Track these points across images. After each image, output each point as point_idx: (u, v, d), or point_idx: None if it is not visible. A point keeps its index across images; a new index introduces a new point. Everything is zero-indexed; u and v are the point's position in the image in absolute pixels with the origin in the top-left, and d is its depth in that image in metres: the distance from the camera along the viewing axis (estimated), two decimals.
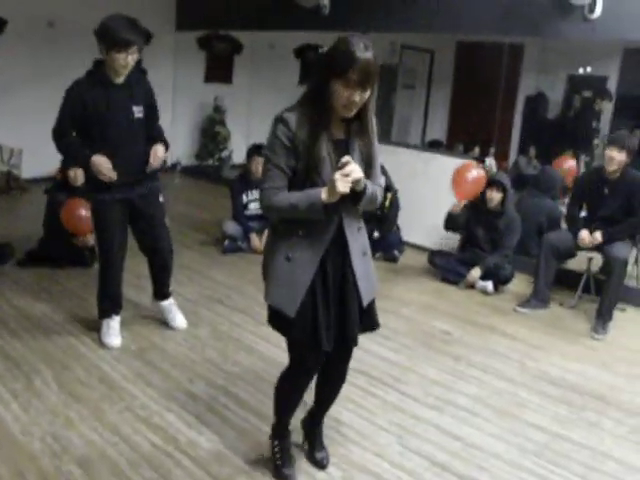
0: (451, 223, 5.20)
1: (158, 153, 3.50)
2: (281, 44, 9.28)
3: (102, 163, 3.29)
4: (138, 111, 3.43)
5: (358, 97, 2.07)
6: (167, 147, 3.62)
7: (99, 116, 3.30)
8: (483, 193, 5.03)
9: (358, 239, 2.34)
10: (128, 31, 3.22)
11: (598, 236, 4.48)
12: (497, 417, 3.16)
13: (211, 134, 9.25)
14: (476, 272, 5.00)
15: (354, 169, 2.06)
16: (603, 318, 4.37)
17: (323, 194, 2.09)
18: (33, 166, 7.31)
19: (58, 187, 4.92)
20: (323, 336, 2.25)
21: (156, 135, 3.59)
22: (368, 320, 2.44)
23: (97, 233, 3.54)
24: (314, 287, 2.24)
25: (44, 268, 4.72)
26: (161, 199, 3.69)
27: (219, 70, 9.51)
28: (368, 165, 2.26)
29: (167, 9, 8.63)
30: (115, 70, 3.30)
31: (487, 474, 2.69)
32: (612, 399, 3.44)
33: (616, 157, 4.41)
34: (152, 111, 3.56)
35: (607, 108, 9.69)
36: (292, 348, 2.38)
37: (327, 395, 2.62)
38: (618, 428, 3.16)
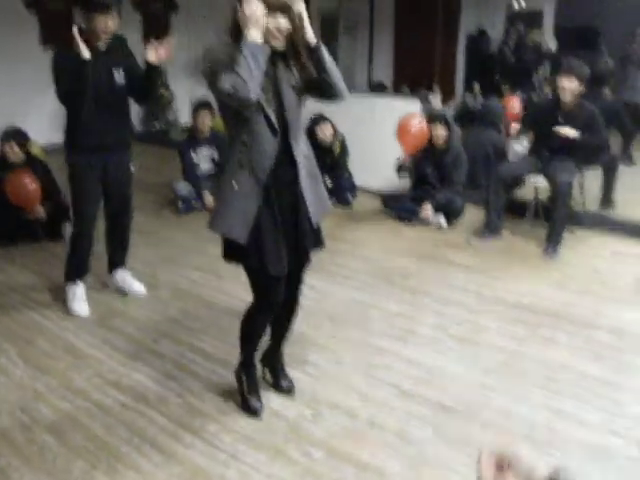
0: (402, 171, 5.28)
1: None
2: (216, 0, 9.06)
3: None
4: (119, 77, 3.43)
5: (282, 24, 2.21)
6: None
7: (78, 81, 3.24)
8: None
9: (307, 161, 2.44)
10: None
11: (574, 132, 4.47)
12: (457, 343, 3.28)
13: (155, 97, 9.04)
14: (428, 207, 5.08)
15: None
16: (554, 241, 4.51)
17: (250, 34, 2.16)
18: None
19: (1, 164, 4.80)
20: (270, 261, 2.36)
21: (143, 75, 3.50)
22: (316, 239, 2.56)
23: (73, 196, 3.57)
24: (260, 214, 2.34)
25: None
26: (132, 168, 3.74)
27: (156, 31, 9.22)
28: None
29: None
30: (97, 34, 3.28)
31: (450, 395, 2.80)
32: (565, 314, 3.59)
33: (567, 86, 4.46)
34: (136, 71, 3.49)
35: (546, 41, 9.81)
36: (252, 281, 2.48)
37: (283, 324, 2.75)
38: (573, 340, 3.30)
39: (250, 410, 2.66)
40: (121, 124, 3.56)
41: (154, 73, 3.45)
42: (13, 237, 4.72)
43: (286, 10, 2.20)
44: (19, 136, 4.80)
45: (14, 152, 4.71)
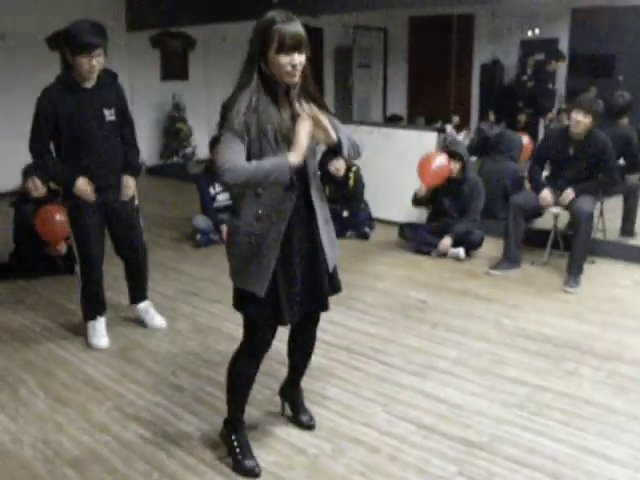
0: (418, 201, 5.30)
1: (129, 183, 3.59)
2: (233, 36, 9.22)
3: (85, 189, 3.36)
4: (109, 114, 3.44)
5: (297, 60, 2.15)
6: (138, 153, 3.69)
7: (70, 121, 3.30)
8: None
9: (323, 207, 2.41)
10: (92, 35, 3.23)
11: (570, 193, 4.54)
12: (478, 376, 3.24)
13: (173, 132, 9.20)
14: (447, 241, 5.08)
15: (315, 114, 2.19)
16: (574, 272, 4.48)
17: (291, 156, 2.12)
18: None
19: (24, 199, 4.89)
20: (286, 312, 2.33)
21: (127, 141, 3.60)
22: (333, 284, 2.53)
23: (75, 238, 3.56)
24: (278, 264, 2.30)
25: (18, 280, 4.70)
26: (136, 202, 3.75)
27: (174, 67, 9.46)
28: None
29: (117, 11, 8.52)
30: (82, 74, 3.30)
31: (472, 431, 2.76)
32: (587, 347, 3.54)
33: (582, 121, 4.49)
34: (123, 115, 3.56)
35: (561, 68, 9.84)
36: (252, 327, 2.42)
37: (301, 359, 2.74)
38: (595, 374, 3.26)
39: (247, 472, 2.50)
40: (117, 160, 3.53)
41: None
42: (34, 270, 4.77)
43: (301, 47, 2.17)
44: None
45: (36, 187, 4.78)
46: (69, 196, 3.47)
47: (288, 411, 2.85)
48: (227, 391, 2.56)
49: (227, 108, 2.19)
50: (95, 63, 3.26)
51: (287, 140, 2.19)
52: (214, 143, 5.62)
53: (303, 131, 2.16)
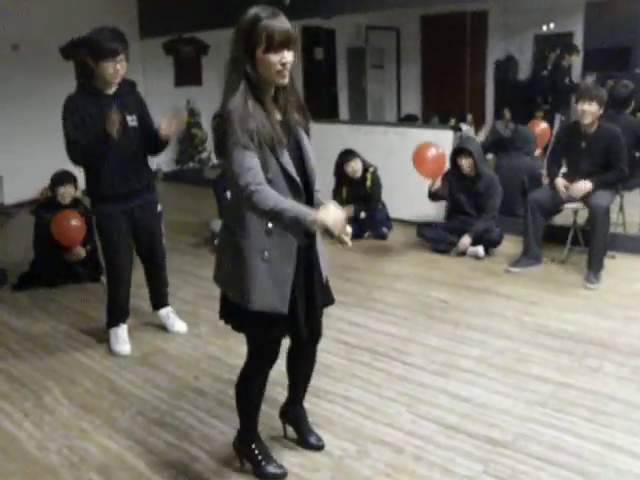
0: (433, 195, 5.27)
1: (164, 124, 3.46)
2: None
3: (115, 118, 3.26)
4: (131, 120, 3.46)
5: (288, 57, 2.02)
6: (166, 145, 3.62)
7: (94, 127, 3.30)
8: (455, 163, 5.14)
9: None
10: (113, 40, 3.28)
11: (588, 184, 4.49)
12: (501, 375, 3.22)
13: (188, 137, 9.25)
14: (466, 239, 5.05)
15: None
16: (594, 267, 4.44)
17: (315, 218, 1.88)
18: (14, 191, 7.35)
19: (43, 207, 4.94)
20: (302, 327, 2.25)
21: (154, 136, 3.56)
22: (327, 295, 2.44)
23: (103, 246, 3.59)
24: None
25: (39, 288, 4.75)
26: (159, 209, 3.76)
27: (188, 73, 9.51)
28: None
29: (129, 18, 8.59)
30: (106, 80, 3.34)
31: (497, 430, 2.75)
32: (611, 344, 3.51)
33: (587, 109, 4.46)
34: (146, 120, 3.57)
35: (576, 63, 9.76)
36: (261, 344, 2.32)
37: (303, 378, 2.62)
38: (620, 370, 3.22)
39: (273, 477, 2.48)
40: (141, 167, 3.55)
41: (162, 145, 3.53)
42: (56, 279, 4.81)
43: (291, 44, 2.03)
44: (71, 178, 4.88)
45: (69, 195, 4.83)
46: (97, 203, 3.50)
47: (292, 433, 2.73)
48: (239, 408, 2.47)
49: (224, 118, 2.02)
50: (119, 67, 3.31)
51: (274, 148, 2.05)
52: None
53: (339, 220, 1.89)
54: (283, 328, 2.25)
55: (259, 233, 2.12)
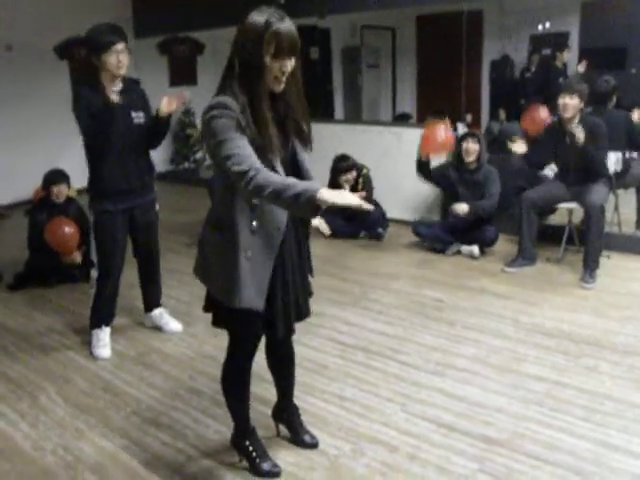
0: (422, 167, 5.22)
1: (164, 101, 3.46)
2: None
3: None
4: (137, 117, 3.46)
5: (290, 66, 2.00)
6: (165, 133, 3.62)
7: (100, 123, 3.29)
8: (459, 151, 5.10)
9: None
10: (111, 33, 3.30)
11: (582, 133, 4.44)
12: (497, 374, 3.22)
13: (183, 137, 9.24)
14: (464, 205, 4.95)
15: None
16: (590, 267, 4.44)
17: (324, 191, 1.83)
18: (7, 192, 7.32)
19: (38, 207, 4.93)
20: (280, 325, 2.25)
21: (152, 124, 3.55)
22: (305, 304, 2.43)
23: (98, 246, 3.57)
24: (272, 276, 2.19)
25: (34, 289, 4.74)
26: (157, 208, 3.75)
27: (183, 73, 9.48)
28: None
29: (124, 18, 8.54)
30: (112, 71, 3.32)
31: (493, 428, 2.75)
32: (607, 343, 3.52)
33: (569, 103, 4.48)
34: (150, 118, 3.56)
35: (572, 62, 9.77)
36: (240, 340, 2.34)
37: (286, 374, 2.63)
38: (615, 369, 3.23)
39: (267, 474, 2.49)
40: (143, 165, 3.56)
41: (162, 125, 3.49)
42: (51, 280, 4.80)
43: (296, 51, 2.01)
44: (64, 177, 4.87)
45: (62, 194, 4.81)
46: (97, 200, 3.48)
47: (285, 433, 2.73)
48: (228, 406, 2.48)
49: (217, 109, 2.00)
50: (122, 58, 3.31)
51: (266, 155, 2.03)
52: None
53: (350, 197, 1.86)
54: (260, 325, 2.26)
55: (244, 232, 2.11)
